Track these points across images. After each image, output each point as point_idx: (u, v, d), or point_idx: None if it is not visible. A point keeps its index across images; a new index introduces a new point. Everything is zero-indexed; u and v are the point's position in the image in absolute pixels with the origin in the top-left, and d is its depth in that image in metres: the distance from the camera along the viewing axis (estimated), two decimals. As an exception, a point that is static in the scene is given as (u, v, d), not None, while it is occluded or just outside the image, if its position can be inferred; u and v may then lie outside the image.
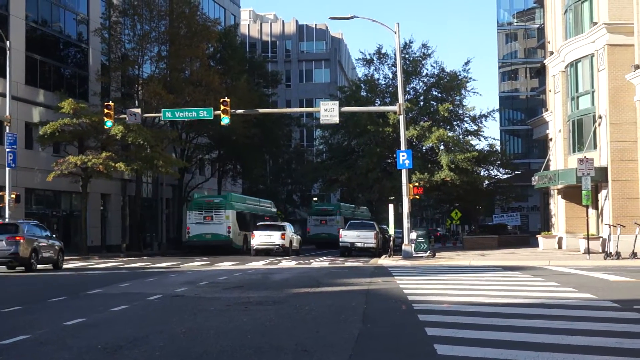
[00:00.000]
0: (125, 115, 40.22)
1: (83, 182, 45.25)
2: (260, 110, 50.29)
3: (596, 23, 39.38)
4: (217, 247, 48.16)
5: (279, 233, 44.98)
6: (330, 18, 46.29)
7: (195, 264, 33.90)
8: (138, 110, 40.51)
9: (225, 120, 38.00)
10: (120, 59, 52.77)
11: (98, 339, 11.46)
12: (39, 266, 29.80)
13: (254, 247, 44.73)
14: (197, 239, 48.58)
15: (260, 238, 44.59)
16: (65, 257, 33.85)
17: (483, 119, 56.43)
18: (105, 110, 38.57)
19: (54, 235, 33.38)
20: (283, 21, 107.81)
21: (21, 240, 28.49)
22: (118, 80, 53.25)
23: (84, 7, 52.45)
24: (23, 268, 29.12)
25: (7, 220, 32.51)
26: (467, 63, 57.34)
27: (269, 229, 45.42)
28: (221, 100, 38.40)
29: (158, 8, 52.11)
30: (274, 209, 61.54)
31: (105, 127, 39.80)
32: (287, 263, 34.66)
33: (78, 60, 52.63)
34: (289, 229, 47.78)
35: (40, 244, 29.89)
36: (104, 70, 52.79)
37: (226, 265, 33.15)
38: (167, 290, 19.71)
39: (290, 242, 46.19)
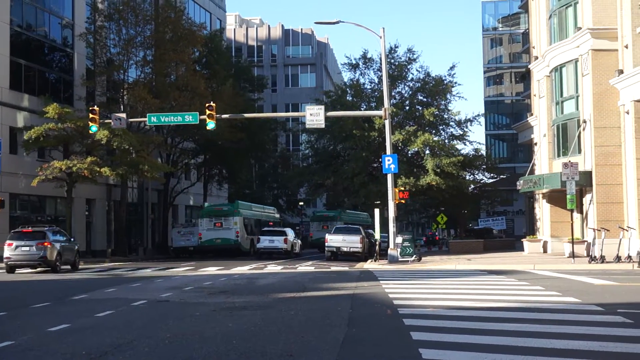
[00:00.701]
0: (110, 120, 40.11)
1: (68, 187, 45.03)
2: (246, 115, 50.22)
3: (580, 28, 39.62)
4: (226, 250, 50.80)
5: (281, 238, 49.14)
6: (316, 23, 46.53)
7: (180, 269, 33.83)
8: (123, 115, 40.41)
9: (210, 124, 37.96)
10: (105, 64, 52.58)
11: (83, 344, 11.42)
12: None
13: (259, 250, 48.64)
14: (209, 244, 51.61)
15: (264, 242, 48.57)
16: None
17: (468, 124, 56.63)
18: (90, 115, 38.44)
19: (72, 239, 37.31)
20: (269, 26, 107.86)
21: (48, 246, 32.40)
22: (103, 84, 53.07)
23: (69, 11, 52.24)
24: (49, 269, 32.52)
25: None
26: (452, 68, 57.51)
27: (272, 234, 49.63)
28: (207, 104, 38.35)
29: (143, 13, 51.99)
30: (277, 215, 64.33)
31: (91, 131, 39.68)
32: (273, 268, 34.63)
33: (63, 65, 52.43)
34: (291, 234, 52.04)
35: (63, 248, 33.74)
36: (89, 74, 52.57)
37: (211, 270, 33.09)
38: (152, 295, 19.65)
39: (292, 245, 50.68)
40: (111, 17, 51.79)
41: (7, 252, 32.52)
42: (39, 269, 33.19)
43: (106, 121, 41.00)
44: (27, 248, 32.20)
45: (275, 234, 49.74)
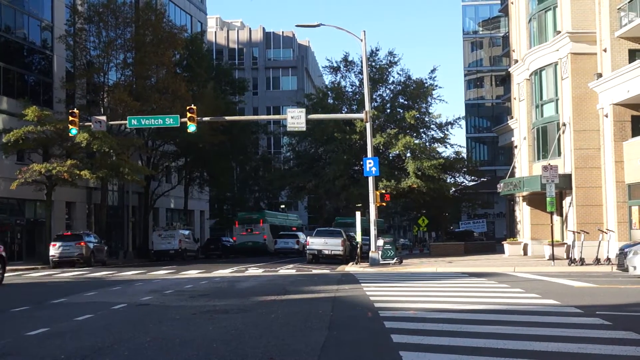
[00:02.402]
0: (90, 123, 39.89)
1: (47, 190, 44.73)
2: (227, 118, 50.10)
3: (560, 32, 39.86)
4: (255, 250, 60.92)
5: (294, 240, 59.85)
6: (297, 26, 46.39)
7: (161, 273, 33.68)
8: (103, 118, 40.20)
9: (191, 127, 37.84)
10: (85, 66, 52.33)
11: (62, 349, 11.34)
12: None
13: (277, 250, 59.04)
14: (241, 246, 62.26)
15: (281, 244, 59.42)
16: (28, 267, 39.99)
17: (449, 127, 56.89)
18: (70, 118, 38.20)
19: (102, 241, 45.88)
20: (250, 28, 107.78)
21: (84, 245, 41.69)
22: (83, 87, 52.79)
23: (48, 13, 51.97)
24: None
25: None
26: (433, 71, 57.98)
27: (286, 237, 60.33)
28: (188, 107, 38.24)
29: (124, 15, 51.75)
30: (299, 221, 71.14)
31: (70, 134, 39.41)
32: (254, 271, 34.56)
33: (42, 67, 52.13)
34: (302, 236, 60.52)
35: (95, 247, 43.17)
36: (68, 77, 52.27)
37: (192, 273, 32.98)
38: (132, 299, 19.56)
39: (304, 246, 53.07)
40: (91, 19, 51.54)
41: (52, 251, 41.15)
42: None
43: (86, 124, 40.78)
44: (68, 247, 40.90)
45: (288, 237, 60.25)
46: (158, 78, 54.25)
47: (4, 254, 26.65)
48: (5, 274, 29.77)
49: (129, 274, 33.34)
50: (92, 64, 51.86)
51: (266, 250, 61.38)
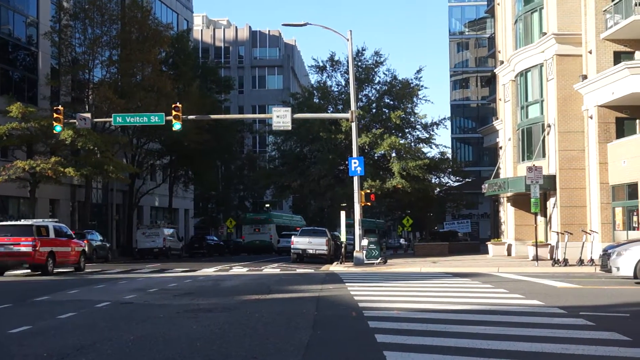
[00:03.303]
0: (75, 120, 39.71)
1: (31, 187, 44.48)
2: (213, 116, 49.98)
3: (545, 33, 40.01)
4: (262, 248, 65.46)
5: None
6: (283, 25, 46.53)
7: (145, 271, 33.58)
8: (88, 115, 40.02)
9: (176, 125, 37.76)
10: (70, 63, 52.05)
11: (44, 347, 11.27)
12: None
13: (278, 249, 62.18)
14: (250, 244, 67.66)
15: (282, 243, 60.97)
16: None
17: (434, 127, 56.93)
18: (55, 115, 38.02)
19: (104, 239, 47.74)
20: (236, 27, 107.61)
21: (87, 243, 40.36)
22: (68, 84, 52.53)
23: (33, 9, 51.68)
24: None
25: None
26: (419, 71, 57.78)
27: (289, 237, 59.08)
28: (173, 105, 38.13)
29: (110, 12, 51.54)
30: (303, 222, 73.08)
31: (55, 131, 39.25)
32: (239, 270, 34.51)
33: (27, 64, 51.84)
34: None
35: (98, 246, 45.18)
36: (53, 74, 52.01)
37: (177, 272, 32.89)
38: (116, 297, 19.47)
39: None
40: (77, 16, 51.28)
41: None
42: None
43: (71, 121, 40.59)
44: None
45: (289, 237, 59.23)
46: (143, 76, 54.06)
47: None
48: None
49: (113, 272, 33.20)
50: (78, 61, 51.61)
51: (272, 248, 65.83)
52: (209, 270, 33.63)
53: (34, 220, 33.86)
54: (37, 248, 29.75)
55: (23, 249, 29.61)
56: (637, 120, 36.36)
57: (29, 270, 31.34)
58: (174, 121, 37.54)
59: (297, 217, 76.47)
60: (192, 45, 76.86)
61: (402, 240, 36.37)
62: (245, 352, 10.60)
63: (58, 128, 38.38)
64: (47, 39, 50.67)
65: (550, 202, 40.59)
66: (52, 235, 31.51)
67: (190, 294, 20.35)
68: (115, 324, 13.83)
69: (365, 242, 37.58)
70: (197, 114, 45.57)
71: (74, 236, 34.89)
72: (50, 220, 35.09)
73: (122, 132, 54.35)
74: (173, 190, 68.81)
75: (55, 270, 31.38)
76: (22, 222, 32.81)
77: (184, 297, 19.39)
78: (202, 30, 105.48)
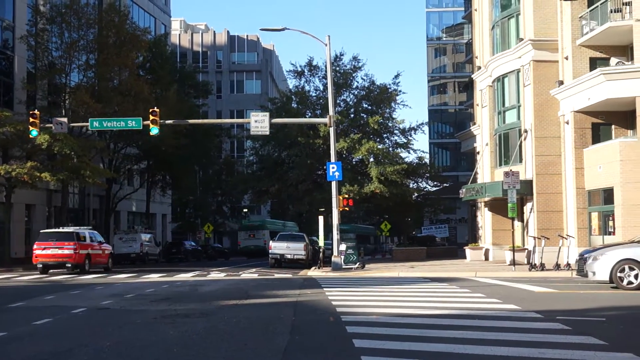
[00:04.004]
0: (51, 124, 39.42)
1: (7, 192, 44.07)
2: (190, 121, 49.73)
3: (522, 39, 40.25)
4: (257, 252, 66.61)
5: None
6: (261, 29, 46.75)
7: (122, 276, 33.39)
8: (65, 119, 39.73)
9: (154, 130, 37.61)
10: (47, 67, 51.61)
11: (19, 353, 11.18)
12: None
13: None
14: (245, 249, 70.63)
15: None
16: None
17: (412, 132, 57.19)
18: (31, 119, 37.72)
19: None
20: (214, 32, 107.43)
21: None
22: (44, 88, 52.07)
23: (9, 13, 51.24)
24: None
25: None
26: (397, 76, 58.08)
27: None
28: (150, 110, 37.96)
29: (87, 16, 51.18)
30: (296, 228, 73.29)
31: (31, 136, 38.93)
32: (216, 275, 34.40)
33: (3, 68, 51.38)
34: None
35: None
36: (30, 78, 51.54)
37: (154, 277, 32.73)
38: (92, 303, 19.34)
39: None
40: (53, 20, 50.86)
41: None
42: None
43: (47, 125, 40.29)
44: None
45: None
46: (121, 80, 53.73)
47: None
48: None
49: (89, 277, 32.99)
50: (54, 65, 51.18)
51: (266, 252, 66.04)
52: (187, 276, 33.50)
53: (74, 227, 40.54)
54: (77, 251, 36.34)
55: (66, 251, 36.11)
56: (613, 126, 36.65)
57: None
58: (151, 126, 37.38)
59: (290, 224, 77.54)
60: (170, 50, 76.61)
61: (343, 245, 36.87)
62: (222, 358, 10.58)
63: (34, 132, 38.10)
64: (23, 42, 50.24)
65: (527, 207, 40.80)
66: (87, 240, 38.05)
67: (168, 299, 20.26)
68: (91, 330, 13.74)
69: (343, 247, 37.57)
70: (175, 119, 45.36)
71: (104, 242, 41.46)
72: (85, 228, 41.75)
73: (99, 137, 54.03)
74: (150, 195, 68.52)
75: (90, 270, 37.50)
76: (63, 229, 39.22)
77: (161, 302, 19.29)
78: (180, 34, 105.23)
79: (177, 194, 79.07)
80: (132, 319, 15.34)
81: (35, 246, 36.94)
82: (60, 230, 38.90)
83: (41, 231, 39.61)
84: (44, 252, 36.23)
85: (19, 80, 50.29)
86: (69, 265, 36.23)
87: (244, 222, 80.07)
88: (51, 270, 36.93)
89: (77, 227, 40.58)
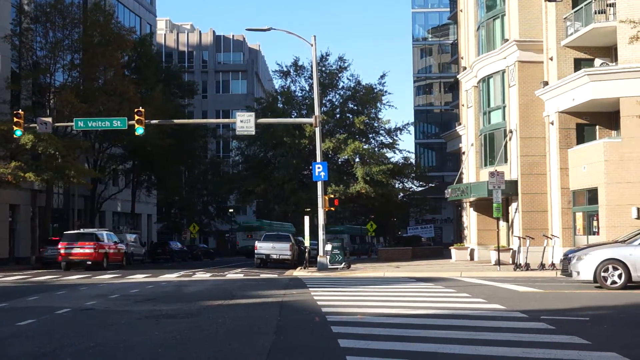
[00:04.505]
0: (35, 124, 39.23)
1: (-9, 192, 43.88)
2: (176, 121, 49.64)
3: (507, 40, 40.38)
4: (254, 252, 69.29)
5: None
6: (247, 29, 46.68)
7: (107, 277, 33.25)
8: (49, 119, 39.55)
9: (139, 130, 37.49)
10: (31, 67, 51.32)
11: (2, 354, 11.11)
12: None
13: None
14: (244, 249, 70.85)
15: None
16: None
17: (398, 132, 57.29)
18: (15, 119, 37.53)
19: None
20: (200, 31, 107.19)
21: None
22: (29, 88, 51.75)
23: (-7, 12, 50.92)
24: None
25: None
26: (382, 76, 58.45)
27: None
28: (135, 110, 37.83)
29: (71, 16, 50.90)
30: (293, 229, 73.12)
31: (15, 136, 38.74)
32: (201, 275, 34.33)
33: (-13, 67, 51.04)
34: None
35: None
36: (14, 77, 51.20)
37: (139, 277, 32.62)
38: (77, 303, 19.25)
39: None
40: (38, 19, 50.61)
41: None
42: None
43: (31, 125, 40.09)
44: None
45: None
46: (106, 80, 53.49)
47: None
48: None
49: (74, 278, 32.84)
50: (39, 65, 50.91)
51: None
52: (172, 276, 33.42)
53: (93, 229, 45.96)
54: (96, 250, 40.71)
55: (87, 250, 40.49)
56: (597, 127, 36.83)
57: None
58: (136, 126, 37.26)
59: (287, 225, 77.68)
60: (155, 50, 76.31)
61: (328, 245, 37.27)
62: (207, 358, 10.55)
63: (18, 132, 37.91)
64: (7, 42, 49.89)
65: (512, 207, 40.94)
66: (105, 241, 42.55)
67: (152, 299, 20.19)
68: (75, 331, 13.67)
69: (329, 247, 37.58)
70: (160, 119, 45.22)
71: (119, 242, 45.82)
72: (103, 229, 47.73)
73: (84, 137, 53.77)
74: (136, 195, 68.29)
75: (107, 267, 41.70)
76: (83, 230, 44.27)
77: (146, 303, 19.22)
78: (165, 34, 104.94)
79: (162, 194, 78.84)
80: (117, 320, 15.27)
81: (59, 246, 40.81)
82: (82, 231, 43.52)
83: (64, 232, 43.62)
84: (67, 251, 40.50)
85: (3, 80, 49.90)
86: (89, 262, 40.31)
87: (242, 224, 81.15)
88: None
89: (96, 229, 45.85)
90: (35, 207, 54.13)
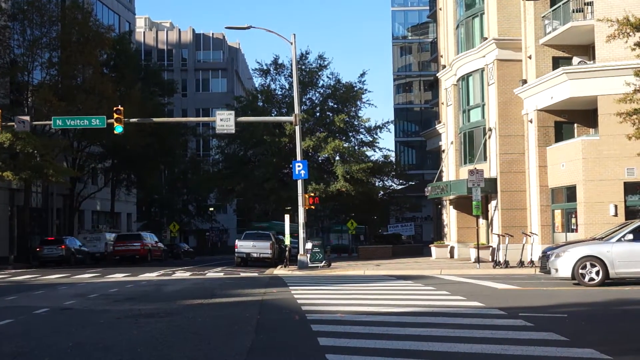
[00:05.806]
0: (13, 123, 38.96)
1: (-32, 191, 43.54)
2: (155, 119, 49.42)
3: (486, 38, 40.59)
4: None
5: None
6: (226, 27, 46.39)
7: (86, 276, 33.08)
8: (27, 118, 39.25)
9: (118, 129, 37.28)
10: (8, 65, 50.92)
11: (-21, 355, 11.02)
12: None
13: None
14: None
15: None
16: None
17: (378, 130, 57.34)
18: (-8, 118, 37.23)
19: (82, 244, 51.90)
20: (179, 29, 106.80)
21: (63, 248, 47.87)
22: (6, 86, 51.36)
23: (-30, 10, 50.46)
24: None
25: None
26: (362, 75, 58.11)
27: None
28: (114, 108, 37.66)
29: (49, 13, 50.59)
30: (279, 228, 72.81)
31: (-8, 134, 38.47)
32: (181, 274, 34.24)
33: (-37, 65, 50.60)
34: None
35: (75, 249, 49.79)
36: (-9, 76, 50.83)
37: (118, 276, 32.48)
38: (55, 303, 19.14)
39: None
40: (15, 17, 50.23)
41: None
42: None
43: (9, 124, 39.78)
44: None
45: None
46: (84, 78, 53.19)
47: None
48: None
49: (53, 277, 32.63)
50: (16, 63, 50.54)
51: None
52: (152, 275, 33.31)
53: (138, 232, 60.99)
54: (142, 247, 51.69)
55: (136, 247, 51.55)
56: (575, 125, 37.11)
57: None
58: (115, 124, 37.06)
59: (281, 224, 78.28)
60: (134, 48, 76.01)
61: (309, 244, 37.45)
62: (187, 357, 10.52)
63: (-4, 131, 37.62)
64: (-16, 40, 49.54)
65: (491, 205, 41.15)
66: (148, 240, 53.94)
67: (132, 299, 20.11)
68: (54, 331, 13.60)
69: (309, 245, 37.59)
70: (140, 117, 45.00)
71: (159, 241, 58.11)
72: (147, 232, 59.35)
73: (62, 135, 53.49)
74: (115, 194, 67.99)
75: (151, 260, 51.49)
76: (132, 232, 59.37)
77: (125, 302, 19.15)
78: (144, 32, 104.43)
79: (142, 193, 78.55)
80: (96, 319, 15.20)
81: (114, 243, 52.21)
82: (129, 233, 58.49)
83: (119, 234, 55.15)
84: (122, 248, 51.39)
85: (-20, 79, 49.57)
86: (137, 257, 50.41)
87: (254, 224, 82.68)
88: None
89: (141, 232, 58.85)
90: (13, 207, 53.77)
